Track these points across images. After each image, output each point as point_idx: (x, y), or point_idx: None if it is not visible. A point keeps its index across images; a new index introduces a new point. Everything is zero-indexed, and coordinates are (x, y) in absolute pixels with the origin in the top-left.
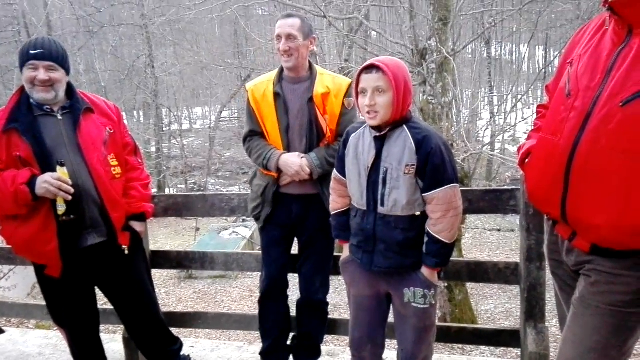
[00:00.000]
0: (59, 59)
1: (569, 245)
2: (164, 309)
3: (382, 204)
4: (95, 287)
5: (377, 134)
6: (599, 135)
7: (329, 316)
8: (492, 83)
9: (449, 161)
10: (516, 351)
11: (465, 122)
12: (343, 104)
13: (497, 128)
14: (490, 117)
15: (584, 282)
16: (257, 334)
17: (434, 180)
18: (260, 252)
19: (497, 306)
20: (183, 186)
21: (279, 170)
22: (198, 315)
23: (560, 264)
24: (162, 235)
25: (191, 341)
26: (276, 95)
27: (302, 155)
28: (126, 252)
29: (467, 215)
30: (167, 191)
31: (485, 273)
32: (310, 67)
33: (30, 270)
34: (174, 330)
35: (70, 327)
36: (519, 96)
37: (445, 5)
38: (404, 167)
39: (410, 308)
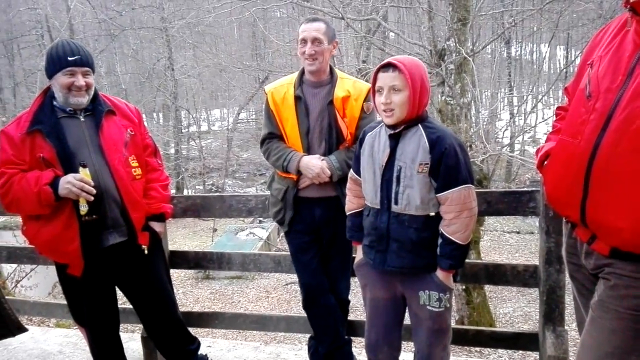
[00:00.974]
0: (92, 63)
1: (588, 249)
2: (181, 308)
3: (396, 202)
4: (116, 287)
5: (392, 132)
6: (621, 137)
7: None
8: (512, 83)
9: (463, 162)
10: (535, 355)
11: (485, 123)
12: (362, 107)
13: (517, 129)
14: (510, 118)
15: (603, 286)
16: (273, 334)
17: (447, 180)
18: (277, 252)
19: (516, 309)
20: (201, 187)
21: (298, 173)
22: (215, 315)
23: (579, 267)
24: (180, 236)
25: (208, 341)
26: (297, 98)
27: (322, 157)
28: (146, 251)
29: (486, 217)
30: (185, 192)
31: (503, 275)
32: (331, 70)
33: (51, 270)
34: (192, 330)
35: (90, 326)
36: (539, 96)
37: (464, 6)
38: (417, 166)
39: (426, 311)
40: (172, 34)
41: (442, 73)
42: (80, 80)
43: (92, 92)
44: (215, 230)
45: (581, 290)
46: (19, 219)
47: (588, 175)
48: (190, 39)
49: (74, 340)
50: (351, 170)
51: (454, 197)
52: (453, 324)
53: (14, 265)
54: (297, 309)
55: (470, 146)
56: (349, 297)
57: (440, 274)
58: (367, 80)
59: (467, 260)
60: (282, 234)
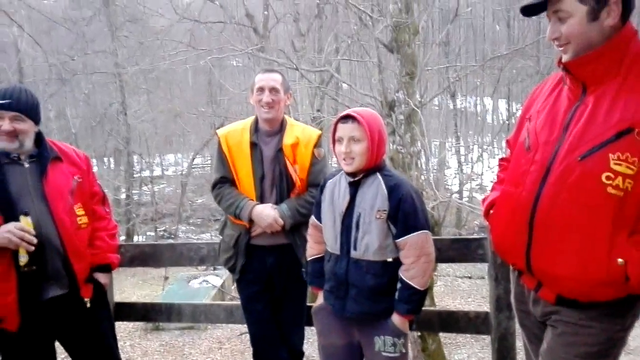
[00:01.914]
0: (28, 109)
1: (535, 296)
2: None
3: (355, 248)
4: (56, 342)
5: (352, 180)
6: (560, 188)
7: None
8: (459, 133)
9: (420, 209)
10: None
11: (434, 171)
12: (313, 154)
13: (465, 177)
14: (458, 166)
15: (551, 333)
16: None
17: (405, 226)
18: (230, 302)
19: (470, 355)
20: (153, 233)
21: (251, 221)
22: None
23: (527, 314)
24: (129, 285)
25: None
26: (253, 144)
27: (275, 206)
28: (88, 305)
29: (438, 263)
30: (136, 238)
31: (456, 323)
32: (282, 119)
33: None
34: None
35: None
36: (485, 146)
37: (412, 61)
38: (375, 212)
39: (381, 357)
40: (126, 79)
41: (392, 123)
42: (7, 125)
43: (26, 139)
44: (166, 278)
45: (531, 338)
46: None
47: (531, 225)
48: (144, 84)
49: None
50: (312, 216)
51: (412, 242)
52: None
53: None
54: None
55: (422, 193)
56: (304, 347)
57: (396, 319)
58: (321, 129)
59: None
60: None
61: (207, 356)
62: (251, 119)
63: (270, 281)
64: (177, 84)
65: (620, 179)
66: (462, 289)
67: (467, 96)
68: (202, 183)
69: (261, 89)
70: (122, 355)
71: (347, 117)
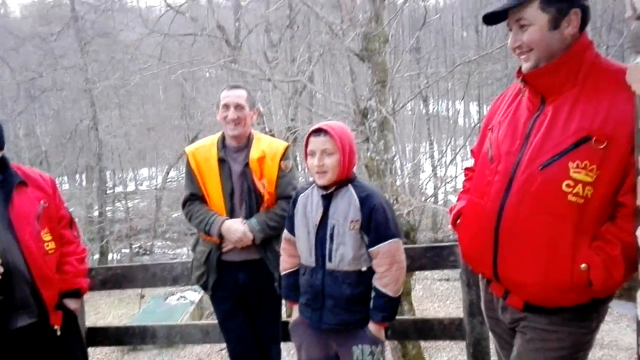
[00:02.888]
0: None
1: (504, 303)
2: None
3: (330, 259)
4: None
5: (324, 193)
6: (523, 197)
7: None
8: (432, 138)
9: (391, 218)
10: None
11: (409, 176)
12: (280, 166)
13: (439, 181)
14: (432, 170)
15: (520, 340)
16: None
17: (377, 235)
18: (207, 321)
19: (450, 358)
20: (127, 250)
21: (220, 237)
22: None
23: (497, 321)
24: (104, 305)
25: None
26: (221, 160)
27: (245, 221)
28: (58, 333)
29: (413, 271)
30: (110, 256)
31: (431, 330)
32: (249, 134)
33: None
34: None
35: None
36: (457, 149)
37: (383, 69)
38: (349, 223)
39: None
40: (97, 95)
41: (366, 131)
42: None
43: None
44: (142, 296)
45: (502, 344)
46: None
47: (497, 234)
48: (115, 99)
49: None
50: (285, 230)
51: (384, 251)
52: None
53: None
54: None
55: (397, 199)
56: None
57: (372, 327)
58: (295, 139)
59: (397, 317)
60: None
61: None
62: (219, 134)
63: (244, 297)
64: (150, 98)
65: (580, 186)
66: (440, 291)
67: (439, 100)
68: (177, 197)
69: (226, 106)
70: None
71: (319, 131)
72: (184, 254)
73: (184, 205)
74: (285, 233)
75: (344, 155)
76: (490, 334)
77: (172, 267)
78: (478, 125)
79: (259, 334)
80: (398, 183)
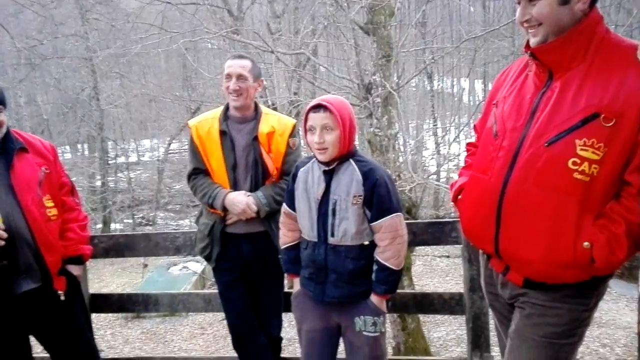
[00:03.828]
0: (4, 101)
1: (503, 279)
2: (110, 351)
3: (332, 235)
4: (30, 336)
5: (326, 168)
6: (527, 174)
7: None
8: (436, 115)
9: (393, 192)
10: None
11: (412, 153)
12: (288, 143)
13: (442, 158)
14: (435, 148)
15: (519, 315)
16: None
17: (380, 209)
18: (209, 290)
19: (449, 332)
20: (130, 221)
21: (225, 209)
22: None
23: (496, 297)
24: (107, 274)
25: None
26: (222, 133)
27: (249, 193)
28: (62, 297)
29: (414, 247)
30: (113, 226)
31: (431, 304)
32: (256, 107)
33: None
34: None
35: None
36: (461, 127)
37: (388, 43)
38: (351, 198)
39: (362, 337)
40: (97, 64)
41: (369, 106)
42: None
43: (4, 130)
44: (146, 265)
45: (501, 319)
46: None
47: (499, 210)
48: (116, 68)
49: None
50: (284, 204)
51: (387, 225)
52: (389, 353)
53: None
54: None
55: (399, 175)
56: (282, 334)
57: (374, 298)
58: (298, 113)
59: (397, 291)
60: None
61: (189, 342)
62: (223, 107)
63: (247, 269)
64: (151, 68)
65: (586, 164)
66: (440, 268)
67: (444, 77)
68: (179, 169)
69: (228, 76)
70: (103, 344)
71: (319, 106)
72: (186, 225)
73: (188, 179)
74: (285, 207)
75: (345, 131)
76: (489, 309)
77: (175, 236)
78: (483, 103)
79: (260, 306)
80: (401, 160)
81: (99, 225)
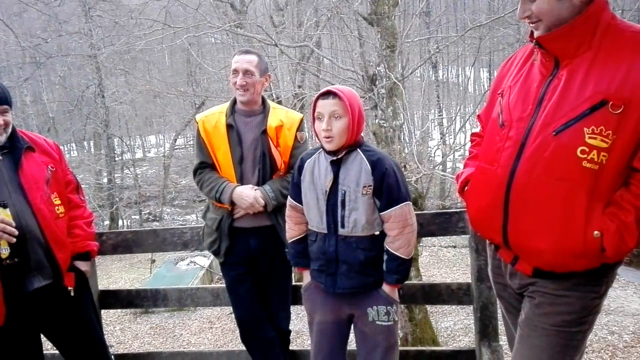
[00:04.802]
0: (10, 101)
1: (512, 269)
2: (119, 346)
3: (343, 226)
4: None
5: (334, 158)
6: (535, 163)
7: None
8: (441, 105)
9: (401, 181)
10: None
11: (417, 144)
12: (296, 137)
13: (447, 148)
14: (441, 138)
15: (529, 304)
16: None
17: (389, 198)
18: (217, 285)
19: (456, 322)
20: (137, 217)
21: (232, 203)
22: (151, 356)
23: (504, 287)
24: (115, 270)
25: None
26: (229, 126)
27: (256, 187)
28: (72, 293)
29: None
30: (120, 222)
31: (439, 295)
32: (263, 101)
33: None
34: None
35: None
36: (467, 117)
37: (392, 33)
38: (361, 188)
39: (376, 327)
40: (102, 61)
41: (374, 97)
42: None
43: (9, 130)
44: (153, 261)
45: (509, 309)
46: None
47: (507, 200)
48: (121, 65)
49: None
50: (289, 197)
51: (397, 214)
52: (399, 342)
53: None
54: None
55: (405, 166)
56: (290, 327)
57: (386, 288)
58: (303, 105)
59: (405, 282)
60: None
61: (197, 336)
62: (230, 101)
63: (255, 263)
64: (155, 64)
65: (595, 152)
66: (447, 258)
67: (449, 66)
68: (185, 164)
69: (235, 71)
70: (113, 340)
71: (328, 93)
72: (192, 220)
73: (195, 173)
74: (290, 200)
75: (353, 119)
76: (497, 298)
77: (182, 232)
78: (488, 92)
79: (268, 299)
80: (406, 150)
81: (107, 222)
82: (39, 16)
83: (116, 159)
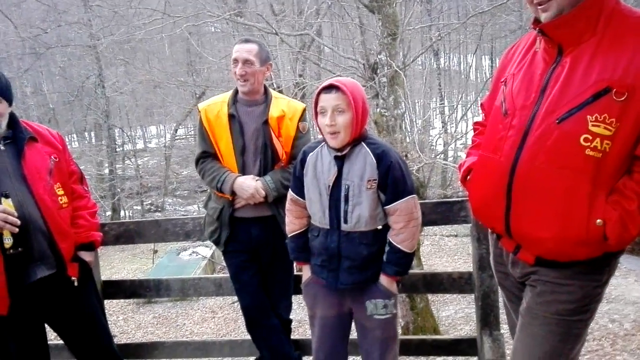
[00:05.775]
0: (2, 90)
1: (514, 258)
2: (122, 336)
3: (345, 221)
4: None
5: (338, 154)
6: (538, 152)
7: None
8: (443, 93)
9: (407, 174)
10: (475, 359)
11: (419, 132)
12: (298, 127)
13: (449, 137)
14: (442, 127)
15: (530, 293)
16: None
17: (395, 192)
18: (219, 274)
19: (458, 311)
20: (139, 207)
21: (233, 193)
22: (155, 346)
23: (506, 275)
24: (118, 260)
25: None
26: (231, 116)
27: (257, 178)
28: (75, 283)
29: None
30: (122, 213)
31: (440, 284)
32: (265, 90)
33: None
34: None
35: None
36: (468, 105)
37: (393, 21)
38: (366, 182)
39: (374, 320)
40: (102, 51)
41: (375, 86)
42: None
43: (2, 121)
44: (155, 251)
45: (510, 297)
46: None
47: (510, 189)
48: (120, 55)
49: None
50: (290, 191)
51: (402, 208)
52: (398, 333)
53: None
54: (244, 329)
55: (406, 155)
56: (291, 316)
57: (385, 280)
58: (304, 95)
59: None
60: None
61: (200, 326)
62: (232, 90)
63: (256, 253)
64: (155, 54)
65: (598, 140)
66: (448, 247)
67: (451, 54)
68: (186, 154)
69: (235, 61)
70: (116, 330)
71: (331, 87)
72: (194, 210)
73: (196, 163)
74: (291, 194)
75: (357, 113)
76: (498, 287)
77: (184, 222)
78: (490, 80)
79: (270, 289)
80: (408, 139)
81: (108, 213)
82: (38, 6)
83: (117, 149)
